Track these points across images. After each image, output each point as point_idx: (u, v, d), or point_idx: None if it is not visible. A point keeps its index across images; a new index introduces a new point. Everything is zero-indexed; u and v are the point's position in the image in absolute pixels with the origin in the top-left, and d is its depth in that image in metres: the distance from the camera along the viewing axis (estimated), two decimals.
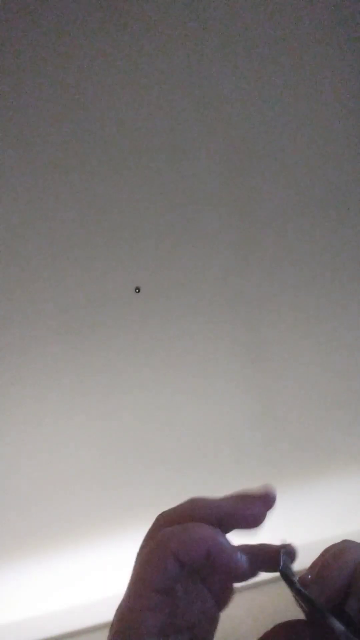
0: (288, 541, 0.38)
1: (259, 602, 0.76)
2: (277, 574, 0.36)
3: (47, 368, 0.84)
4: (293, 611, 0.36)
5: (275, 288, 0.93)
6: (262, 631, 0.35)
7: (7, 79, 0.84)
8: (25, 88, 0.84)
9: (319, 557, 0.37)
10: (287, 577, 0.35)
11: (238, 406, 0.91)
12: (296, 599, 0.34)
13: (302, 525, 0.89)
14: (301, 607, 0.34)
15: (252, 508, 0.38)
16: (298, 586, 0.34)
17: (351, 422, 0.95)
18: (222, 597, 0.38)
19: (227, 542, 0.36)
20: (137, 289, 0.87)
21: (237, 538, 0.38)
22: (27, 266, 0.84)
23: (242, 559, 0.35)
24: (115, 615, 0.37)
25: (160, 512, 0.40)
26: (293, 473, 0.92)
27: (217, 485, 0.92)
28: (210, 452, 0.89)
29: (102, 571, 0.83)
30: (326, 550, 0.37)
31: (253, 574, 0.36)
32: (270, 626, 0.35)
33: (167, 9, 0.89)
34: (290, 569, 0.35)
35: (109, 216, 0.87)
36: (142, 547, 0.38)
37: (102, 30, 0.87)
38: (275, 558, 0.36)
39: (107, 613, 0.80)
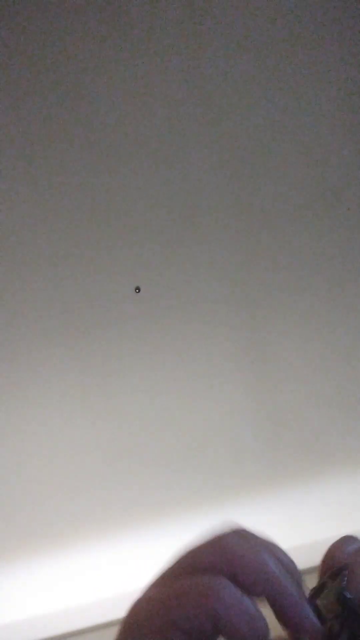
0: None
1: None
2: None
3: (46, 367, 0.84)
4: None
5: (275, 288, 0.93)
6: None
7: (6, 78, 0.83)
8: (23, 90, 0.84)
9: (329, 559, 0.32)
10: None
11: (238, 406, 0.91)
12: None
13: (302, 526, 0.89)
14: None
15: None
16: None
17: (351, 422, 0.95)
18: None
19: (238, 597, 0.28)
20: (137, 289, 0.87)
21: None
22: (26, 266, 0.84)
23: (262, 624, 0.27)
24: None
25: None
26: (293, 473, 0.92)
27: (218, 485, 0.92)
28: (210, 451, 0.89)
29: (102, 571, 0.83)
30: (335, 550, 0.33)
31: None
32: None
33: (167, 10, 0.89)
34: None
35: (109, 216, 0.87)
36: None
37: (101, 32, 0.87)
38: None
39: (107, 613, 0.80)
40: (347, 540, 0.33)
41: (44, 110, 0.85)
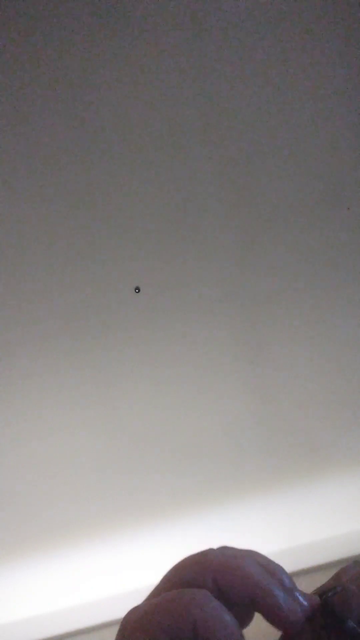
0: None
1: None
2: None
3: (46, 368, 0.84)
4: None
5: (275, 288, 0.93)
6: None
7: (6, 77, 0.84)
8: (23, 89, 0.84)
9: (333, 580, 0.34)
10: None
11: (238, 406, 0.91)
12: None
13: (302, 526, 0.89)
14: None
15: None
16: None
17: (351, 422, 0.95)
18: None
19: (219, 611, 0.30)
20: (137, 289, 0.87)
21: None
22: (26, 266, 0.84)
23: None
24: None
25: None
26: (293, 473, 0.92)
27: (217, 485, 0.92)
28: (209, 452, 0.89)
29: (102, 571, 0.83)
30: (342, 572, 0.34)
31: None
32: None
33: (168, 11, 0.89)
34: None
35: (108, 216, 0.87)
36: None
37: (102, 32, 0.87)
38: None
39: (107, 613, 0.80)
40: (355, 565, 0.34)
41: (43, 108, 0.85)
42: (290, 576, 0.33)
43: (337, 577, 0.35)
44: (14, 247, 0.84)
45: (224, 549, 0.33)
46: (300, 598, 0.32)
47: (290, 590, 0.32)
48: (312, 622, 0.32)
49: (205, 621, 0.30)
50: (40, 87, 0.84)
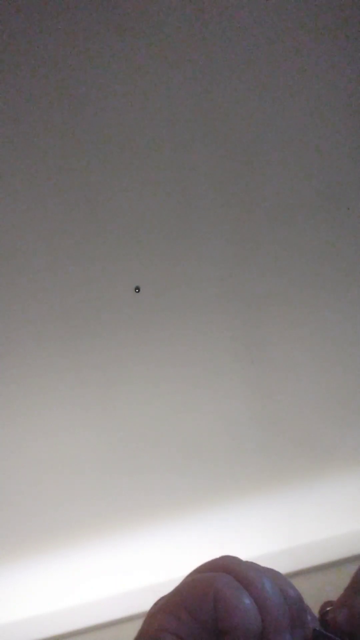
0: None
1: None
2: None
3: (46, 368, 0.84)
4: None
5: (275, 288, 0.93)
6: None
7: (6, 77, 0.84)
8: (24, 90, 0.84)
9: (351, 592, 0.33)
10: None
11: (238, 406, 0.91)
12: None
13: (302, 526, 0.89)
14: None
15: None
16: None
17: (351, 422, 0.95)
18: None
19: (241, 595, 0.30)
20: (137, 289, 0.87)
21: None
22: (26, 266, 0.84)
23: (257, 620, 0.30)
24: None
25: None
26: (293, 473, 0.92)
27: (217, 485, 0.92)
28: (210, 452, 0.89)
29: (102, 571, 0.83)
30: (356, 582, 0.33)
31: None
32: None
33: (169, 10, 0.89)
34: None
35: (108, 216, 0.87)
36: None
37: (103, 30, 0.87)
38: None
39: (107, 613, 0.80)
40: None
41: (43, 109, 0.85)
42: (301, 606, 0.32)
43: (355, 584, 0.33)
44: (14, 247, 0.84)
45: (245, 561, 0.33)
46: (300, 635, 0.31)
47: (300, 623, 0.31)
48: None
49: (225, 599, 0.30)
50: (40, 87, 0.84)
